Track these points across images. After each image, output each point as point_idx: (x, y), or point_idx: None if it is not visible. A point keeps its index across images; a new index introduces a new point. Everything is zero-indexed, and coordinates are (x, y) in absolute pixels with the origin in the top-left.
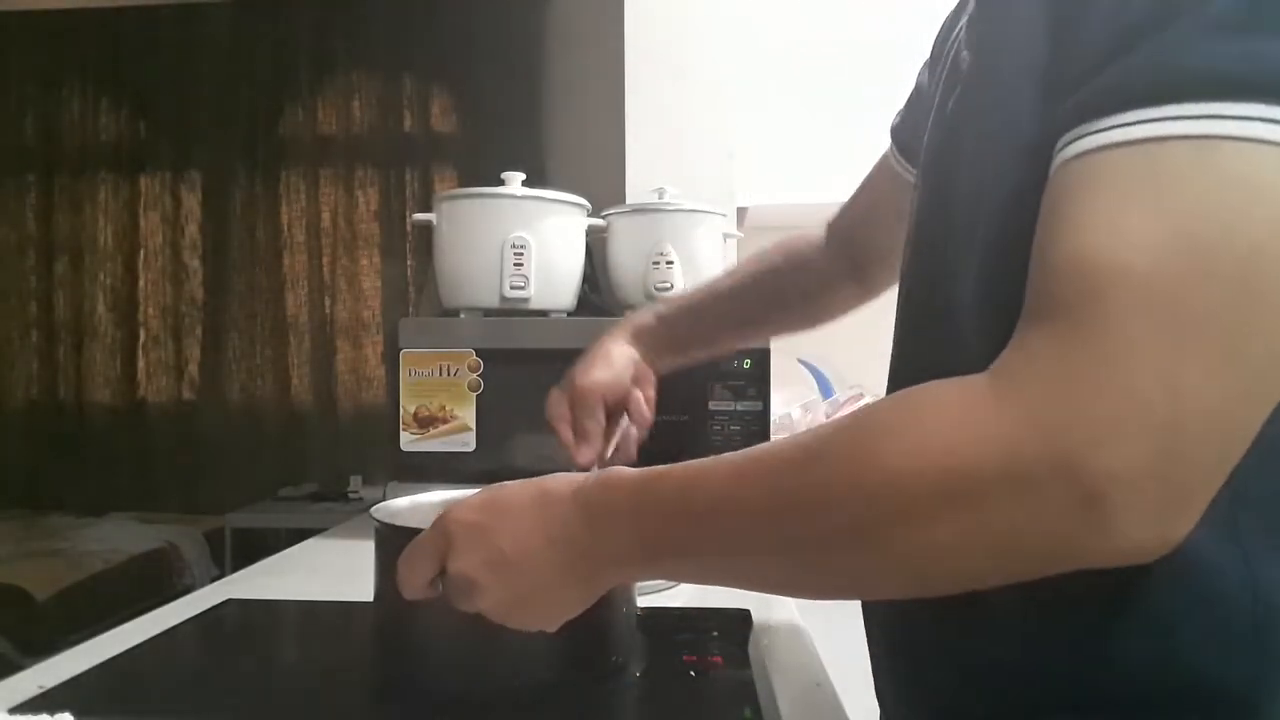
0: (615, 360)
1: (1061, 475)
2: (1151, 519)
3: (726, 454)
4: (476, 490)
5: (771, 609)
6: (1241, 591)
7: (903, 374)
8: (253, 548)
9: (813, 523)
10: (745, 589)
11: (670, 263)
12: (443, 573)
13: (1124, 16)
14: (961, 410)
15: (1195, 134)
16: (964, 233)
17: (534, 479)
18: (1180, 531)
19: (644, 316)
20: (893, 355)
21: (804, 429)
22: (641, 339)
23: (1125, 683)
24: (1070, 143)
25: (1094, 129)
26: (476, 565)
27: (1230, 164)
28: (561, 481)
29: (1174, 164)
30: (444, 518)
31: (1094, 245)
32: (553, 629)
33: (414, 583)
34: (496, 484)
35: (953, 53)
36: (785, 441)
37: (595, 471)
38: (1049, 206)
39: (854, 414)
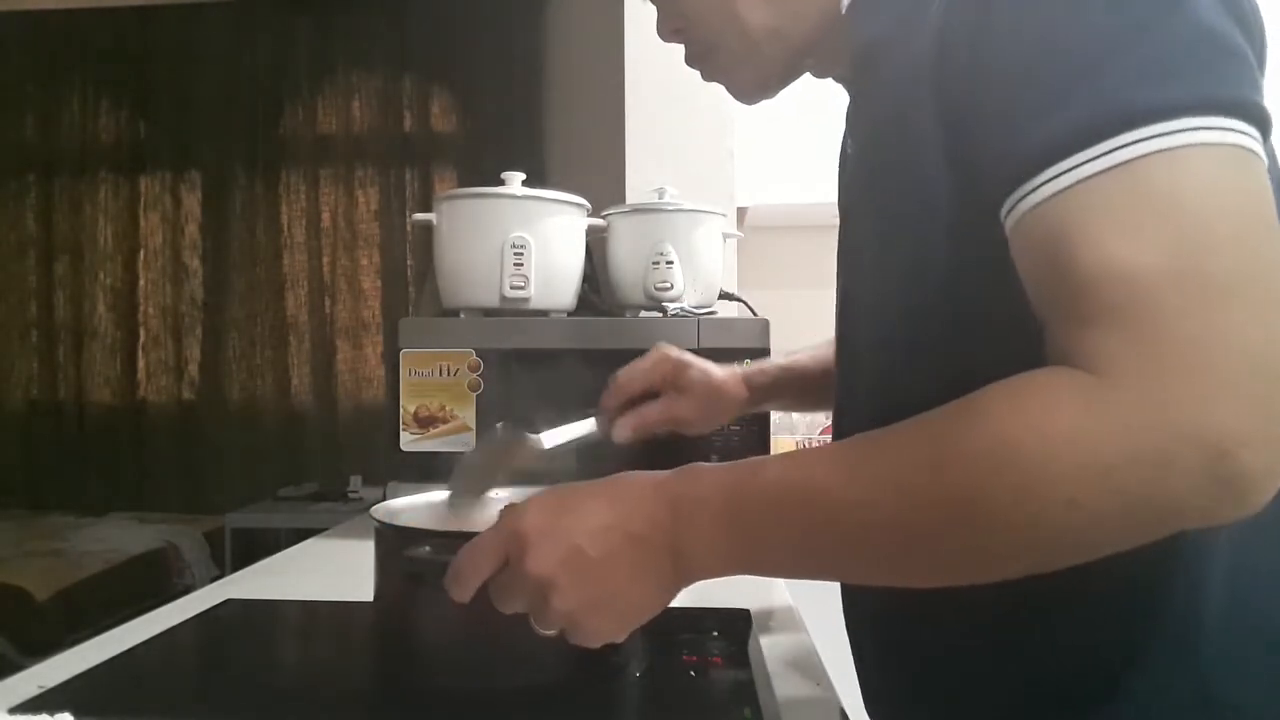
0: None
1: (1192, 446)
2: (1273, 466)
3: (819, 448)
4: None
5: (772, 609)
6: (1221, 575)
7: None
8: (253, 548)
9: (945, 522)
10: (837, 580)
11: (670, 263)
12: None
13: (1041, 82)
14: (1079, 403)
15: (1160, 149)
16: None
17: (598, 479)
18: None
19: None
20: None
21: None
22: (751, 377)
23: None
24: (1031, 191)
25: (1060, 170)
26: (553, 565)
27: (1195, 165)
28: (636, 477)
29: (1152, 175)
30: (510, 519)
31: (1116, 254)
32: (621, 637)
33: (471, 583)
34: (551, 486)
35: (842, 151)
36: (890, 438)
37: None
38: (1044, 243)
39: (962, 407)
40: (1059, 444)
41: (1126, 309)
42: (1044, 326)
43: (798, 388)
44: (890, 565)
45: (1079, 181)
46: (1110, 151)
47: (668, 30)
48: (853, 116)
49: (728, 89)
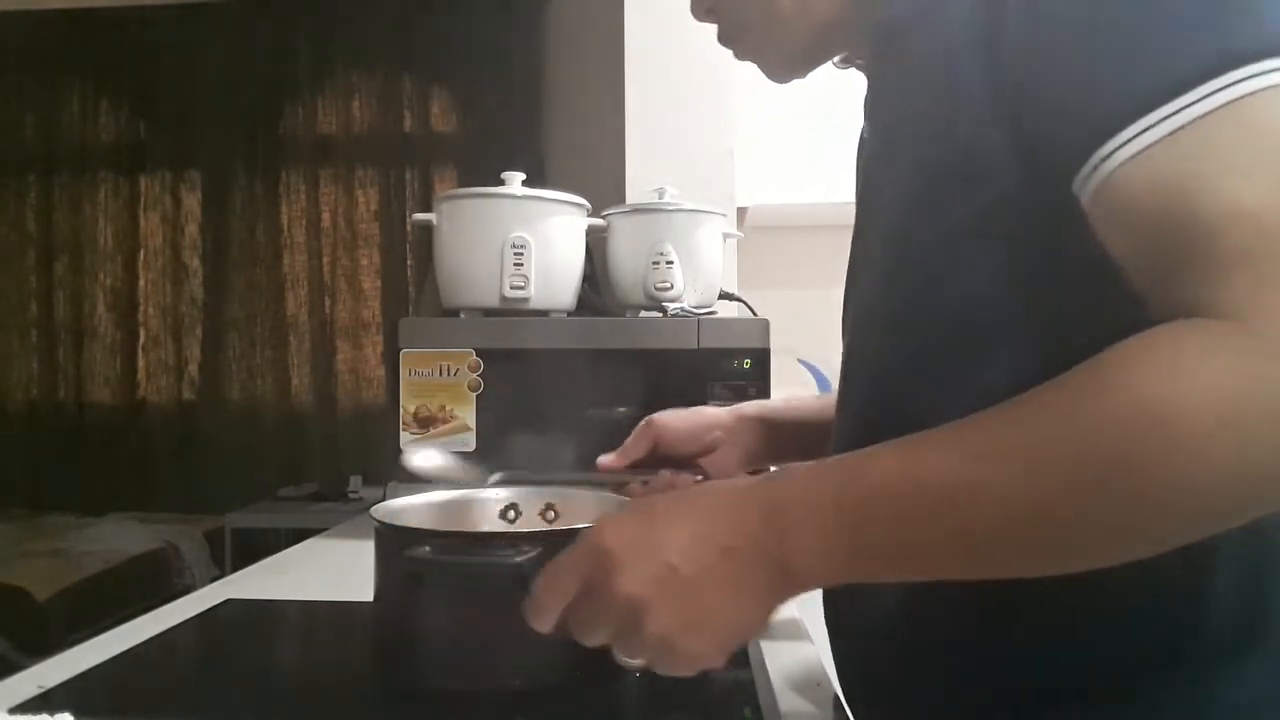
0: (704, 415)
1: None
2: None
3: (927, 433)
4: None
5: (775, 620)
6: (1222, 573)
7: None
8: (253, 548)
9: (1090, 495)
10: (959, 576)
11: (670, 263)
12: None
13: (1122, 34)
14: (1226, 352)
15: (1265, 87)
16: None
17: (681, 490)
18: None
19: (779, 410)
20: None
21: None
22: (768, 424)
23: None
24: (1126, 142)
25: (1161, 117)
26: (645, 584)
27: None
28: (723, 485)
29: (1260, 114)
30: (593, 535)
31: (1238, 195)
32: (720, 662)
33: (553, 611)
34: (637, 498)
35: (860, 140)
36: (1015, 412)
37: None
38: (1149, 193)
39: (1092, 370)
40: (1210, 398)
41: (1258, 250)
42: (1148, 284)
43: (805, 422)
44: (1028, 550)
45: (1183, 126)
46: (1214, 93)
47: (701, 10)
48: (871, 102)
49: (760, 68)
